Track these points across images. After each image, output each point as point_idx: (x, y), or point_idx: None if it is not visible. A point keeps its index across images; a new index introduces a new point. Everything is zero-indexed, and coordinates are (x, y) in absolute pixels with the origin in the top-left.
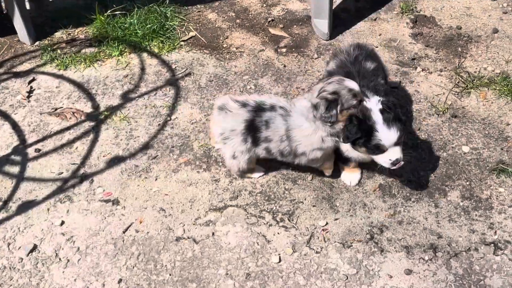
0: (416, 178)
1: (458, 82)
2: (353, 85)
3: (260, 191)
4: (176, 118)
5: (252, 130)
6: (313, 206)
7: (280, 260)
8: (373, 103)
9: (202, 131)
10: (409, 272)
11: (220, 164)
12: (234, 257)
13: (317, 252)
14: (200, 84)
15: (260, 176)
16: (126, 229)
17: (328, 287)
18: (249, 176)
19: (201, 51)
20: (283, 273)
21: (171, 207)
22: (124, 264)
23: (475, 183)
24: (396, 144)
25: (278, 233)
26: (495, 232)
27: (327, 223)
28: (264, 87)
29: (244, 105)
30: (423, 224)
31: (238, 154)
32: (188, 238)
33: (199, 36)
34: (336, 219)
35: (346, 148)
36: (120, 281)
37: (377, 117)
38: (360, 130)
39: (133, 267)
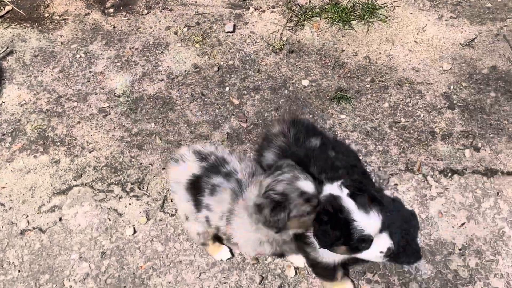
0: (262, 121)
1: (291, 17)
2: (307, 186)
3: (105, 164)
4: (3, 103)
5: (196, 190)
6: (163, 169)
7: (135, 232)
8: (335, 188)
9: (34, 111)
10: None
11: (58, 143)
12: (86, 239)
13: (172, 215)
14: (25, 61)
15: (227, 258)
16: None
17: (187, 247)
18: (210, 253)
19: (21, 25)
20: (140, 243)
21: (11, 200)
22: None
23: (318, 114)
24: (381, 230)
25: (130, 204)
26: None
27: None
28: (95, 53)
29: (203, 158)
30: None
31: (189, 215)
32: (34, 228)
33: (17, 9)
34: None
35: (321, 256)
36: None
37: (349, 205)
38: (335, 228)
39: None
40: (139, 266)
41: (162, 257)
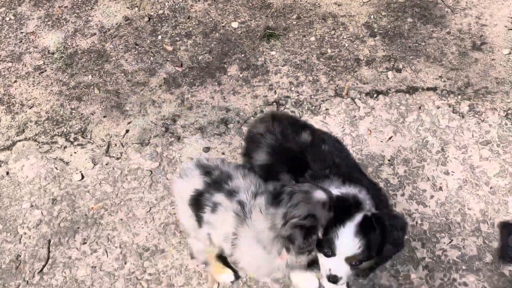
0: (196, 64)
1: None
2: (322, 195)
3: (46, 118)
4: None
5: (197, 206)
6: (104, 117)
7: (83, 177)
8: (365, 199)
9: None
10: (207, 149)
11: None
12: (35, 188)
13: (117, 158)
14: None
15: (231, 281)
16: None
17: (136, 185)
18: (213, 274)
19: None
20: (89, 187)
21: None
22: None
23: (250, 53)
24: (349, 259)
25: (75, 152)
26: (275, 91)
27: (126, 132)
28: (24, 14)
29: (207, 172)
30: (211, 104)
31: (190, 232)
32: None
33: None
34: (129, 123)
35: None
36: None
37: (358, 220)
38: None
39: None
40: (90, 208)
41: (112, 197)
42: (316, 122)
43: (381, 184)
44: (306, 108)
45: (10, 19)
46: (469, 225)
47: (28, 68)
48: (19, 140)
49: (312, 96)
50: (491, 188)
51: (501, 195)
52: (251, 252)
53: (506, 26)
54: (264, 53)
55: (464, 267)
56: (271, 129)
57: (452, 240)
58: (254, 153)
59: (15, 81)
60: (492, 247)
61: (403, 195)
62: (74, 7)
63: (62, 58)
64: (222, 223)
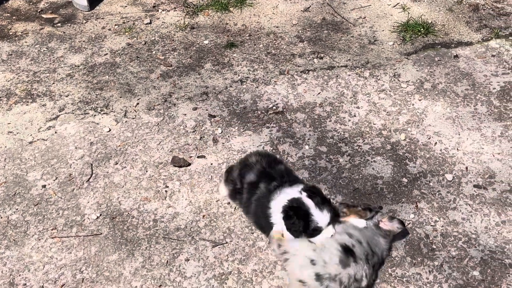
0: (181, 64)
1: (188, 12)
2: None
3: (79, 101)
4: None
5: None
6: (120, 97)
7: (110, 130)
8: (295, 192)
9: (19, 82)
10: (195, 107)
11: (42, 96)
12: (77, 138)
13: (133, 118)
14: (3, 58)
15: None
16: None
17: (148, 131)
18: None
19: None
20: (115, 134)
21: (16, 129)
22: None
23: (218, 56)
24: (329, 223)
25: (103, 117)
26: (239, 75)
27: (137, 104)
28: (54, 47)
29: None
30: (195, 85)
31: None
32: (38, 140)
33: None
34: (138, 99)
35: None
36: None
37: (308, 203)
38: (300, 219)
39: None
40: (118, 145)
41: (132, 138)
42: (268, 89)
43: (315, 117)
44: (261, 82)
45: (44, 50)
46: (375, 132)
47: (61, 75)
48: (61, 114)
49: (264, 76)
50: (387, 113)
51: (394, 115)
52: None
53: (389, 30)
54: (228, 56)
55: (373, 153)
56: (259, 160)
57: (364, 140)
58: (246, 174)
59: (53, 83)
60: (389, 141)
61: (330, 120)
62: (90, 40)
63: (85, 68)
64: None
